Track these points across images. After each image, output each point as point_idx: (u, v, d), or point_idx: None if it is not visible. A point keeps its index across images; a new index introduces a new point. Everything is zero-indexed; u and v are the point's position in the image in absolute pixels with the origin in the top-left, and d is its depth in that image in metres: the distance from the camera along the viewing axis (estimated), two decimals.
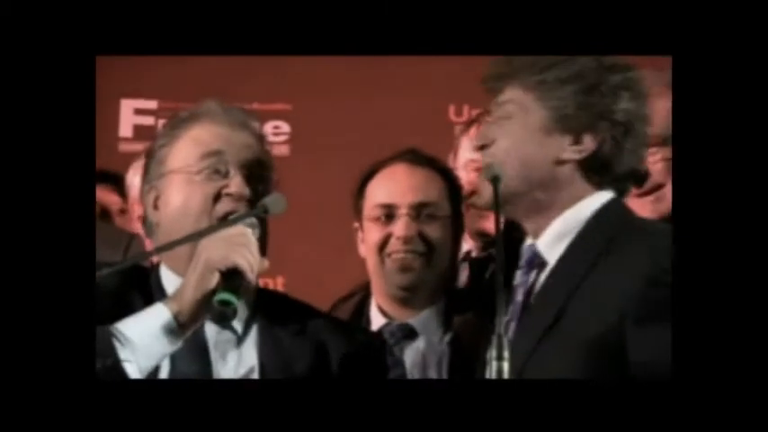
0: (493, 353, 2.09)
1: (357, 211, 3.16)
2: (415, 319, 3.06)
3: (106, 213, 4.03)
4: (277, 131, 5.03)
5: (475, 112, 5.08)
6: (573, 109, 2.56)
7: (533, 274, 2.59)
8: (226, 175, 2.55)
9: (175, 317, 2.36)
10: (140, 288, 2.57)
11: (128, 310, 2.45)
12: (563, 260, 2.55)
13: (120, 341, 2.32)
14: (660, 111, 2.95)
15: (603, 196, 2.61)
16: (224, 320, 2.41)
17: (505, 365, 2.08)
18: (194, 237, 2.45)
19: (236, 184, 2.53)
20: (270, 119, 4.92)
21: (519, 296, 2.59)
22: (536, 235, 2.60)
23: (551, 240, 2.58)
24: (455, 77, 4.94)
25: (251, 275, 2.38)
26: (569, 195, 2.59)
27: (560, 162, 2.56)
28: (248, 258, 2.37)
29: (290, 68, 5.00)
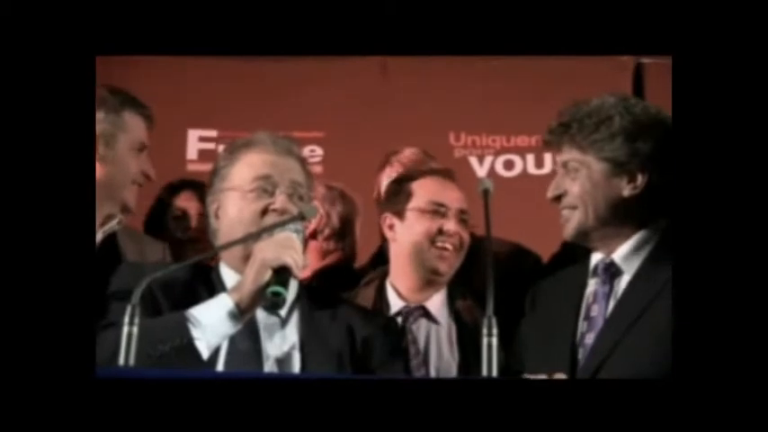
0: (484, 330, 2.15)
1: (394, 204, 3.25)
2: (429, 302, 3.17)
3: (186, 216, 4.02)
4: (313, 154, 5.14)
5: (470, 138, 5.28)
6: (624, 156, 2.65)
7: (611, 282, 2.68)
8: (272, 194, 2.66)
9: (237, 304, 2.46)
10: (204, 281, 2.67)
11: (194, 297, 2.55)
12: (643, 270, 2.64)
13: (193, 323, 2.42)
14: None
15: (661, 223, 2.70)
16: (275, 308, 2.51)
17: (494, 340, 2.13)
18: (248, 238, 2.57)
19: (280, 201, 2.65)
20: (307, 144, 5.05)
21: (600, 299, 2.67)
22: (608, 252, 2.69)
23: (626, 255, 2.67)
24: (454, 107, 5.21)
25: (297, 271, 2.48)
26: (632, 222, 2.68)
27: (623, 198, 2.66)
28: (295, 258, 2.47)
29: (323, 103, 5.19)
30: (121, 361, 2.13)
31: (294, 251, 2.48)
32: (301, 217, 2.58)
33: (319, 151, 5.26)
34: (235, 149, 2.76)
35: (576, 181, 2.69)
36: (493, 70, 4.98)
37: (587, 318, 2.67)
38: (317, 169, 4.93)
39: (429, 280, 3.18)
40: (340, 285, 3.37)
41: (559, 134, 2.72)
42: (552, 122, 2.75)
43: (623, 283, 2.67)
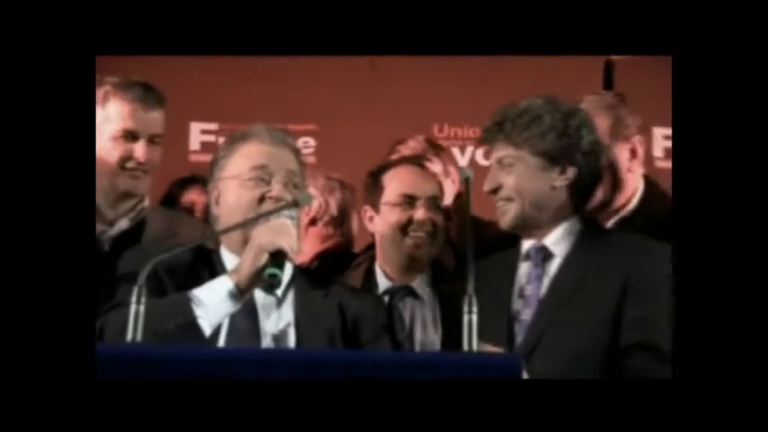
0: (465, 308, 2.21)
1: (371, 197, 3.36)
2: (415, 282, 3.30)
3: (194, 209, 4.12)
4: (306, 145, 5.25)
5: (453, 130, 5.40)
6: (556, 151, 2.82)
7: (543, 265, 2.83)
8: (269, 182, 2.73)
9: (236, 285, 2.53)
10: (206, 264, 2.74)
11: (197, 279, 2.62)
12: (573, 253, 2.81)
13: (196, 303, 2.49)
14: None
15: (588, 209, 2.92)
16: (272, 289, 2.60)
17: (474, 317, 2.20)
18: (246, 223, 2.63)
19: (276, 189, 2.72)
20: (301, 136, 5.15)
21: (533, 280, 2.82)
22: (540, 238, 2.85)
23: (556, 240, 2.84)
24: (438, 101, 5.32)
25: (291, 255, 2.55)
26: (563, 210, 2.85)
27: (554, 188, 2.83)
28: (290, 242, 2.54)
29: (317, 96, 5.29)
30: (129, 337, 2.19)
31: (289, 236, 2.56)
32: (296, 204, 2.65)
33: (312, 143, 5.37)
34: (233, 141, 2.82)
35: (510, 175, 2.84)
36: (477, 68, 5.05)
37: (522, 296, 2.83)
38: (311, 159, 5.06)
39: (409, 266, 3.30)
40: (338, 268, 3.49)
41: (494, 132, 2.87)
42: (486, 122, 2.90)
43: (554, 265, 2.83)
